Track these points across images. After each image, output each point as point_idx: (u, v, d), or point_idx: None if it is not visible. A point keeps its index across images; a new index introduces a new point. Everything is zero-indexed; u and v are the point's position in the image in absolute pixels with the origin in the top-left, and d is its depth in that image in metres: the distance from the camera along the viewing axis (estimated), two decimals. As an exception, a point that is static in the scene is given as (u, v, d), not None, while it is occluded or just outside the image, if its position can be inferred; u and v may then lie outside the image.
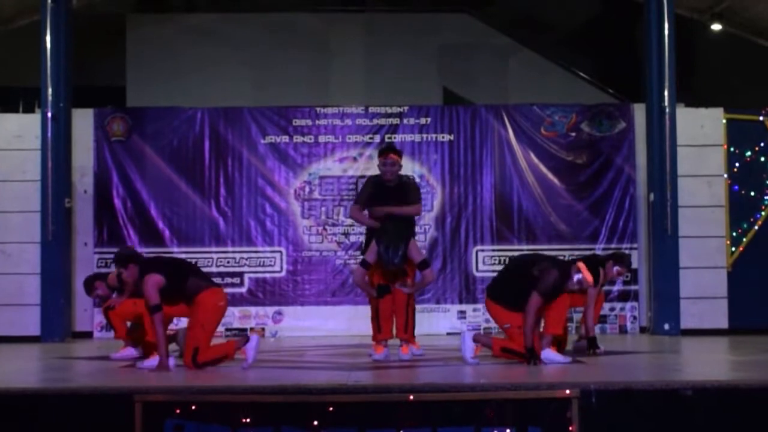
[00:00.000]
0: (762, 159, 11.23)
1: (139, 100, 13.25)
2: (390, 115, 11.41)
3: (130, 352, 8.16)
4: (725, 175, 11.13)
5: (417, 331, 10.96)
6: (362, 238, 9.09)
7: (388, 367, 7.14)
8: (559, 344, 7.63)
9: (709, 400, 5.42)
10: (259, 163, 11.30)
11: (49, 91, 10.68)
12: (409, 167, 11.32)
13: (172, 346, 7.59)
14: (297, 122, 11.39)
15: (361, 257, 7.84)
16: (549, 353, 7.19)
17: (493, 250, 11.21)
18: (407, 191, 7.97)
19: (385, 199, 7.87)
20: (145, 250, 10.95)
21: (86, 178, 11.18)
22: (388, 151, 8.08)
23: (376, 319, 7.81)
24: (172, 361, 7.01)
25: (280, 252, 11.23)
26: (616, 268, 8.34)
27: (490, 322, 11.09)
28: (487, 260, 11.20)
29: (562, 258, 8.96)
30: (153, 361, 7.11)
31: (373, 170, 11.20)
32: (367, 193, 8.02)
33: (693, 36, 14.28)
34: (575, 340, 8.66)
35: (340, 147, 11.30)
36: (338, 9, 14.78)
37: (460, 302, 11.18)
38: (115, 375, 6.85)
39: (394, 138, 11.35)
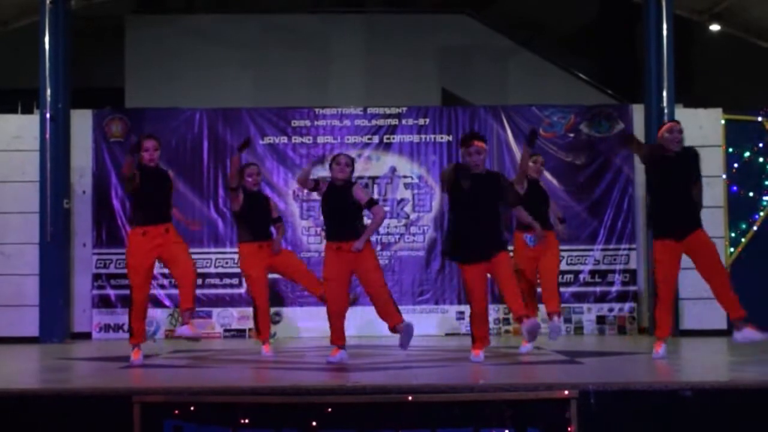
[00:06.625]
0: (761, 160, 11.24)
1: (138, 101, 13.25)
2: (389, 116, 11.41)
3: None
4: (724, 176, 11.14)
5: (416, 332, 10.95)
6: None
7: (387, 368, 7.15)
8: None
9: (708, 400, 5.42)
10: (257, 163, 11.27)
11: (48, 92, 10.67)
12: (407, 168, 11.35)
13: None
14: (296, 123, 11.40)
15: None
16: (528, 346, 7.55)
17: (492, 251, 11.19)
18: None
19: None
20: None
21: (85, 179, 11.18)
22: (473, 138, 7.44)
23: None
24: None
25: (279, 253, 11.21)
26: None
27: (497, 322, 11.10)
28: (485, 261, 11.18)
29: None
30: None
31: (372, 171, 11.28)
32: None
33: (692, 37, 14.29)
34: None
35: (339, 148, 11.25)
36: (337, 10, 14.77)
37: (459, 303, 11.17)
38: (114, 376, 6.85)
39: (393, 139, 11.36)
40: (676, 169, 7.48)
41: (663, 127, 7.64)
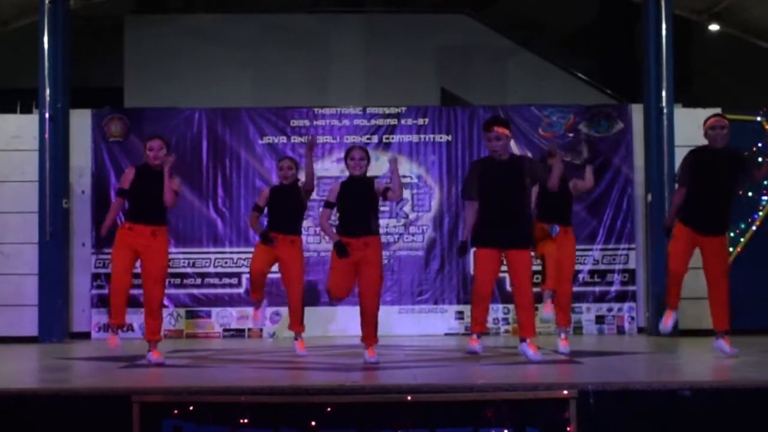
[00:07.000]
0: (760, 159, 11.22)
1: (137, 100, 13.25)
2: (388, 116, 11.41)
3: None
4: (723, 176, 11.12)
5: (415, 332, 10.97)
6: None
7: (386, 368, 7.14)
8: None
9: (707, 400, 5.42)
10: (256, 163, 11.29)
11: (47, 91, 10.67)
12: (406, 168, 11.34)
13: None
14: (295, 123, 11.39)
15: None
16: (525, 348, 7.28)
17: (491, 251, 11.18)
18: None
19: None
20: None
21: (84, 179, 11.17)
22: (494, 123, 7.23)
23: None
24: None
25: (278, 253, 11.20)
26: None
27: (496, 321, 11.11)
28: (485, 261, 11.17)
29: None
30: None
31: (371, 171, 11.23)
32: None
33: (691, 37, 14.29)
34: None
35: (338, 148, 11.28)
36: (337, 9, 14.77)
37: (458, 303, 11.17)
38: (113, 376, 6.85)
39: (392, 138, 11.36)
40: (716, 172, 7.50)
41: (706, 124, 7.66)
